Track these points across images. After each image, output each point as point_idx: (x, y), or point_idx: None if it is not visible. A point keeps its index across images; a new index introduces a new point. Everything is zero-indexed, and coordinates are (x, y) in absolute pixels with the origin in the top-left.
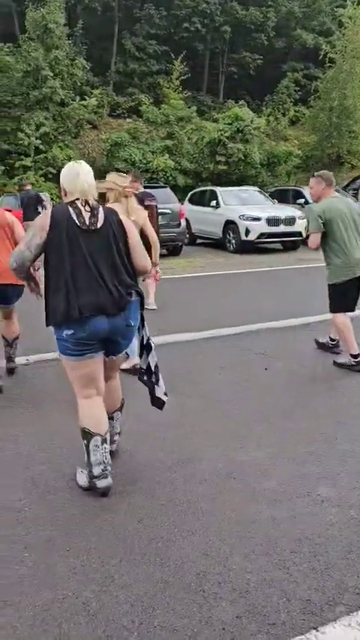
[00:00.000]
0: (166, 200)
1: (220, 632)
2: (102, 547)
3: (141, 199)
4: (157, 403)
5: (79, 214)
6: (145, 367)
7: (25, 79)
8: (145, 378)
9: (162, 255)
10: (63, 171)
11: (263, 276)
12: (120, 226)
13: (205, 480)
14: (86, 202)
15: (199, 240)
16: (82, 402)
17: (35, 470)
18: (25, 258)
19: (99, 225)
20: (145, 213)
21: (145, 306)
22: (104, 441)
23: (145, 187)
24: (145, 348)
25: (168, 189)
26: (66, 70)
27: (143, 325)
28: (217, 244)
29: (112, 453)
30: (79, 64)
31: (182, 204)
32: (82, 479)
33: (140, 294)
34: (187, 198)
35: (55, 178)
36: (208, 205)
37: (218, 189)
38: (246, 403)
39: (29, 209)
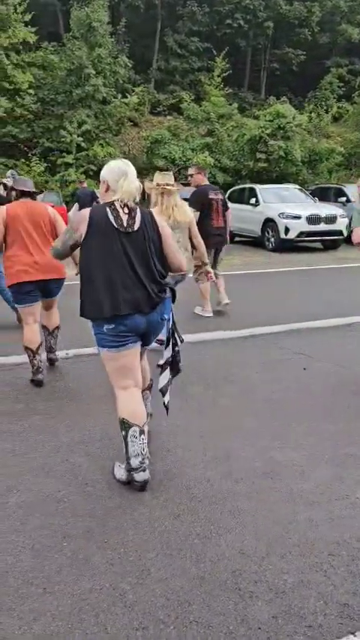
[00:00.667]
0: None
1: (256, 632)
2: (139, 540)
3: (204, 193)
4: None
5: (117, 216)
6: (163, 361)
7: (69, 78)
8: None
9: None
10: (108, 168)
11: (302, 275)
12: (154, 227)
13: (242, 479)
14: (125, 204)
15: (237, 238)
16: (120, 393)
17: (74, 462)
18: (60, 255)
19: (135, 227)
20: (192, 213)
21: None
22: (142, 432)
23: (184, 184)
24: (167, 342)
25: None
26: (108, 68)
27: (169, 319)
28: (256, 242)
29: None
30: (122, 62)
31: None
32: (120, 473)
33: (173, 291)
34: (225, 196)
35: (96, 176)
36: (247, 203)
37: (258, 187)
38: (283, 403)
39: (85, 206)
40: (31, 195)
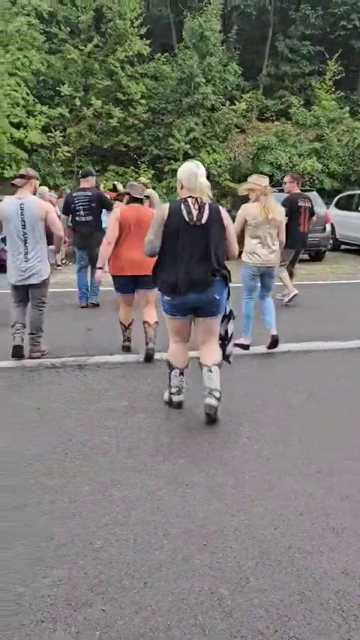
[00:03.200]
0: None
1: None
2: (238, 547)
3: (294, 200)
4: (226, 358)
5: (189, 212)
6: (223, 332)
7: (179, 87)
8: (220, 341)
9: (304, 261)
10: (182, 169)
11: None
12: (220, 221)
13: (347, 497)
14: (196, 200)
15: (344, 247)
16: (171, 344)
17: (175, 462)
18: (156, 246)
19: (203, 220)
20: (283, 212)
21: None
22: (181, 373)
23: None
24: (227, 317)
25: (314, 193)
26: (218, 76)
27: (228, 298)
28: None
29: (210, 407)
30: (231, 70)
31: (328, 208)
32: (166, 395)
33: (224, 275)
34: (333, 203)
35: None
36: (356, 210)
37: None
38: None
39: None
40: (140, 201)
